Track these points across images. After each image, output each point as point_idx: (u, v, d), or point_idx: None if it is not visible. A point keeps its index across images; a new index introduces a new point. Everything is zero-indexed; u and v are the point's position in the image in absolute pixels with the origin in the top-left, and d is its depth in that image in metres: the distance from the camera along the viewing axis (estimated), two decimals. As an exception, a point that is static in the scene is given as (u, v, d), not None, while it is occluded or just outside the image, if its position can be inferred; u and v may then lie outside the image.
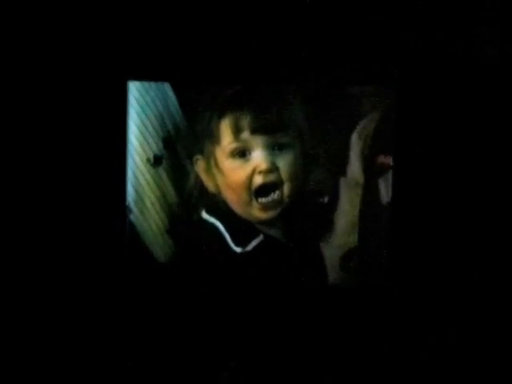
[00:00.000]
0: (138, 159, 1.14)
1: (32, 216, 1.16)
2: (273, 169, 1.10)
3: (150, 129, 1.14)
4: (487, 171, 1.16)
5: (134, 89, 1.13)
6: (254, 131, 1.09)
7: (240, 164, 1.10)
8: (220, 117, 1.10)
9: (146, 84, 1.13)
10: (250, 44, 1.14)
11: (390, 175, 1.12)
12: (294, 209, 1.12)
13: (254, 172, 1.10)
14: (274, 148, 1.10)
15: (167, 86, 1.14)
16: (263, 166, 1.09)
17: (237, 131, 1.09)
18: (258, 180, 1.10)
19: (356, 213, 1.12)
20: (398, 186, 1.13)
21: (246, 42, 1.14)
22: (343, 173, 1.13)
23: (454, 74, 1.15)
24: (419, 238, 1.15)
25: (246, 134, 1.09)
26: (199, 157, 1.13)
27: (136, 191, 1.14)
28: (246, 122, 1.09)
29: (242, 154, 1.10)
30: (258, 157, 1.10)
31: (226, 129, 1.10)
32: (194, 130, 1.13)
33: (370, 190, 1.12)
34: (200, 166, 1.13)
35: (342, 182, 1.13)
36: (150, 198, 1.14)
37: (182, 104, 1.14)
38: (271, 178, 1.10)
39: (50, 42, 1.14)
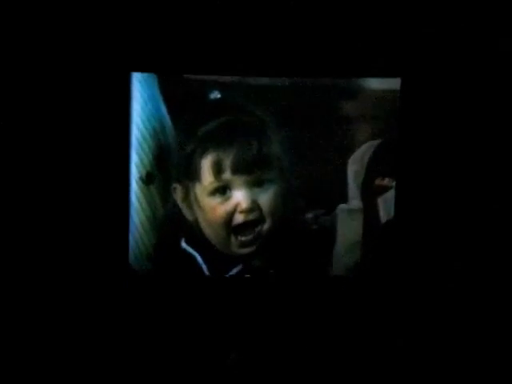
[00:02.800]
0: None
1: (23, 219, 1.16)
2: (254, 207, 1.08)
3: (144, 146, 1.13)
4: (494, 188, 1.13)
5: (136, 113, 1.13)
6: (236, 171, 1.07)
7: (220, 201, 1.09)
8: (202, 155, 1.08)
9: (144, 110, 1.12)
10: (251, 39, 1.13)
11: (388, 194, 1.12)
12: (275, 240, 1.11)
13: (235, 210, 1.08)
14: (254, 185, 1.08)
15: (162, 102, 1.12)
16: (245, 205, 1.08)
17: (218, 172, 1.07)
18: (239, 219, 1.08)
19: (357, 236, 1.12)
20: (400, 202, 1.13)
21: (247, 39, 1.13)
22: (342, 200, 1.12)
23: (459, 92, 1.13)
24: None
25: (227, 174, 1.07)
26: (177, 186, 1.12)
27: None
28: (227, 162, 1.07)
29: (223, 191, 1.08)
30: (239, 195, 1.08)
31: (207, 168, 1.08)
32: (175, 159, 1.12)
33: (368, 211, 1.13)
34: (178, 195, 1.12)
35: (339, 209, 1.12)
36: (140, 215, 1.15)
37: (174, 122, 1.12)
38: (252, 216, 1.08)
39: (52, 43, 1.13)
